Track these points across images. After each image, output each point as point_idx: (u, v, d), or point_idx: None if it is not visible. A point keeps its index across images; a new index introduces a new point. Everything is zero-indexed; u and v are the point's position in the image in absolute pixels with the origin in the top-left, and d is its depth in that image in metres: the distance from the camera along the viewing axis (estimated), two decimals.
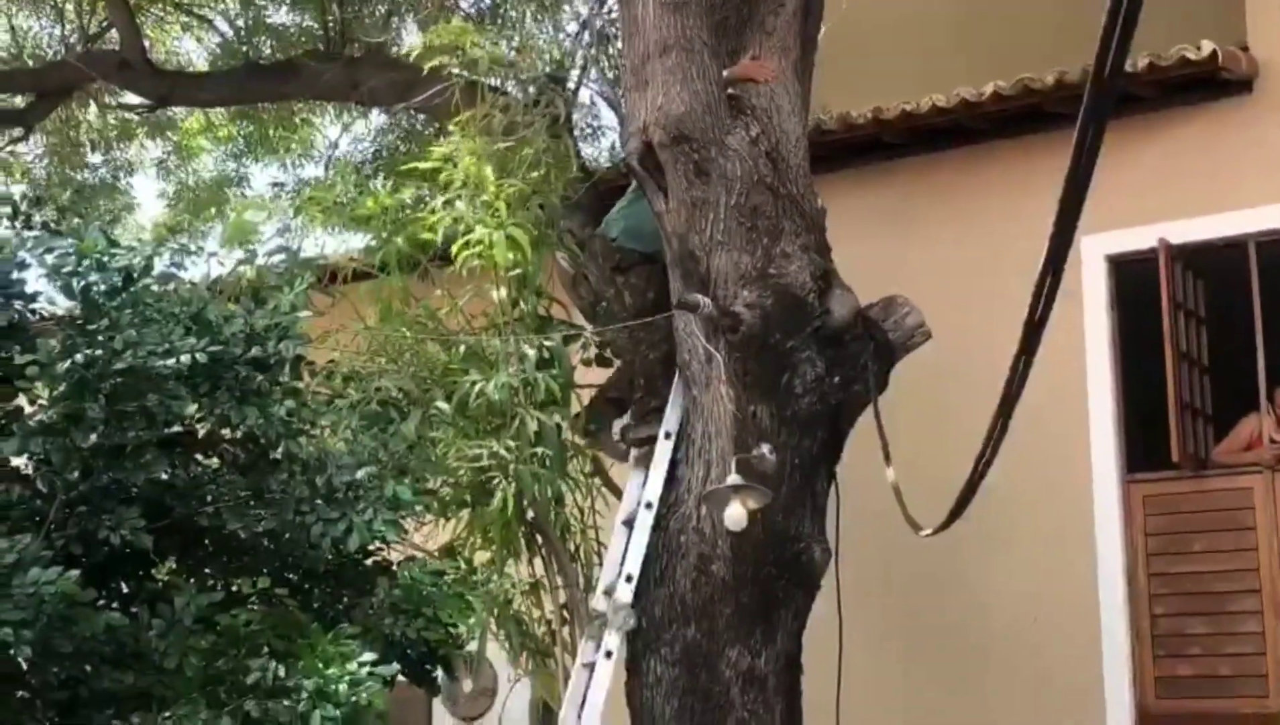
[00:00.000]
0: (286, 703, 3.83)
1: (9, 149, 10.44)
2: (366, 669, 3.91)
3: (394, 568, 4.98)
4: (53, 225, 4.43)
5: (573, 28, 8.90)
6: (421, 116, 9.73)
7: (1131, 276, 7.99)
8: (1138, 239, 7.81)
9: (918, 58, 9.57)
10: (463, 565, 6.47)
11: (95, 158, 11.11)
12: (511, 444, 6.56)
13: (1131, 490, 7.77)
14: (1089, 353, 7.88)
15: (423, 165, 7.03)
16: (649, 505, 6.38)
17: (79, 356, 3.90)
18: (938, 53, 9.63)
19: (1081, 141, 2.85)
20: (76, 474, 4.06)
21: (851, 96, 8.41)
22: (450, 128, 7.10)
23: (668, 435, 6.47)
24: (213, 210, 10.89)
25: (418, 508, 4.87)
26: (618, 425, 6.67)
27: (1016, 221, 7.89)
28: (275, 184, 10.99)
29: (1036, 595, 7.79)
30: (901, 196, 8.52)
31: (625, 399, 6.72)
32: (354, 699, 3.83)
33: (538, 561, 7.15)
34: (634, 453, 6.55)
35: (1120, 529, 7.72)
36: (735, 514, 5.86)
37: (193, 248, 4.57)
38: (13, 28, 10.74)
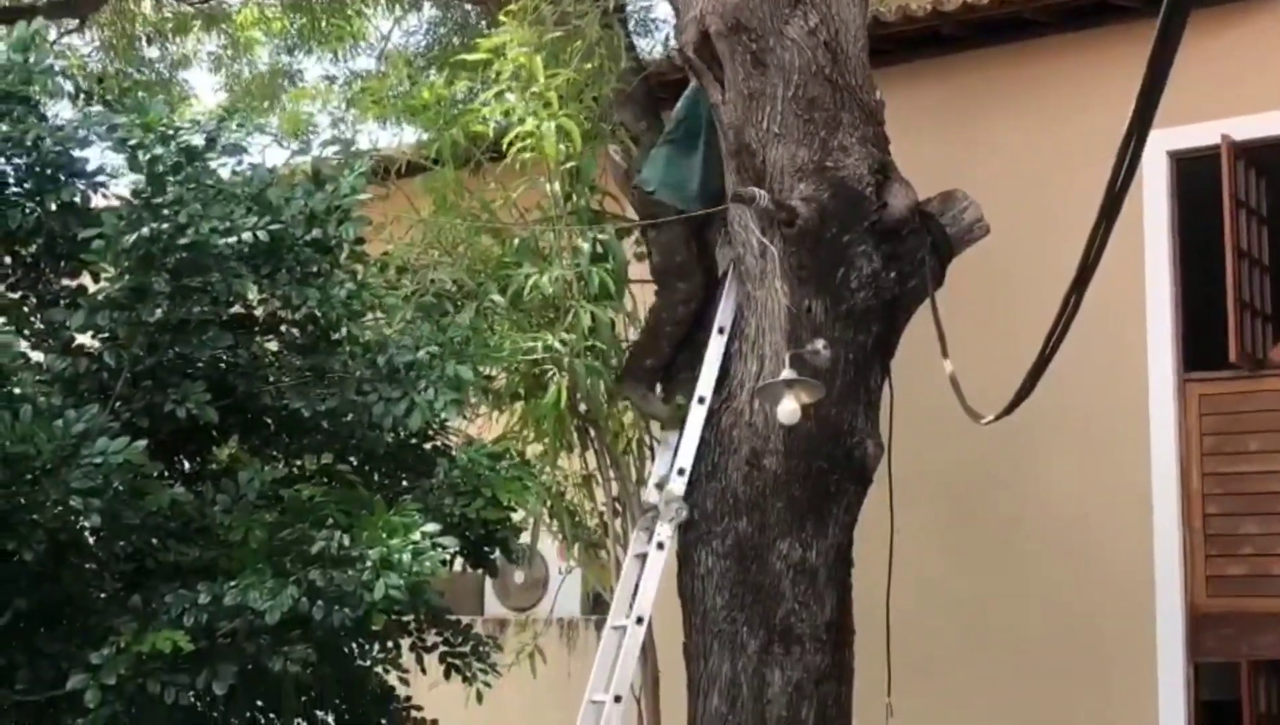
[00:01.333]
0: (350, 572, 3.89)
1: (64, 39, 10.42)
2: (430, 540, 3.95)
3: (452, 452, 5.02)
4: (114, 102, 4.43)
5: None
6: (474, 8, 9.64)
7: (1193, 174, 7.86)
8: (1200, 135, 7.67)
9: None
10: (516, 455, 6.50)
11: (151, 51, 11.09)
12: (566, 337, 6.58)
13: (1188, 389, 7.71)
14: (1148, 251, 7.78)
15: (472, 57, 6.98)
16: (702, 400, 6.39)
17: (145, 230, 3.92)
18: None
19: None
20: (142, 349, 4.10)
21: None
22: (501, 18, 7.03)
23: (721, 330, 6.46)
24: (266, 103, 10.86)
25: (476, 393, 4.89)
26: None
27: (1077, 116, 7.79)
28: (327, 77, 10.94)
29: (1089, 493, 7.77)
30: (960, 91, 8.40)
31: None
32: (416, 570, 3.88)
33: (590, 455, 7.19)
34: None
35: (1175, 428, 7.68)
36: (788, 408, 5.85)
37: (252, 126, 4.54)
38: None
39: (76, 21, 10.41)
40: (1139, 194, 7.62)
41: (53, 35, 10.20)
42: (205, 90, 11.66)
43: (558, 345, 6.55)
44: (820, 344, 6.09)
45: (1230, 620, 7.49)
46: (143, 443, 3.83)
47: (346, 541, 3.92)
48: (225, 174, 4.55)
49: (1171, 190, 7.83)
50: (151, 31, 10.97)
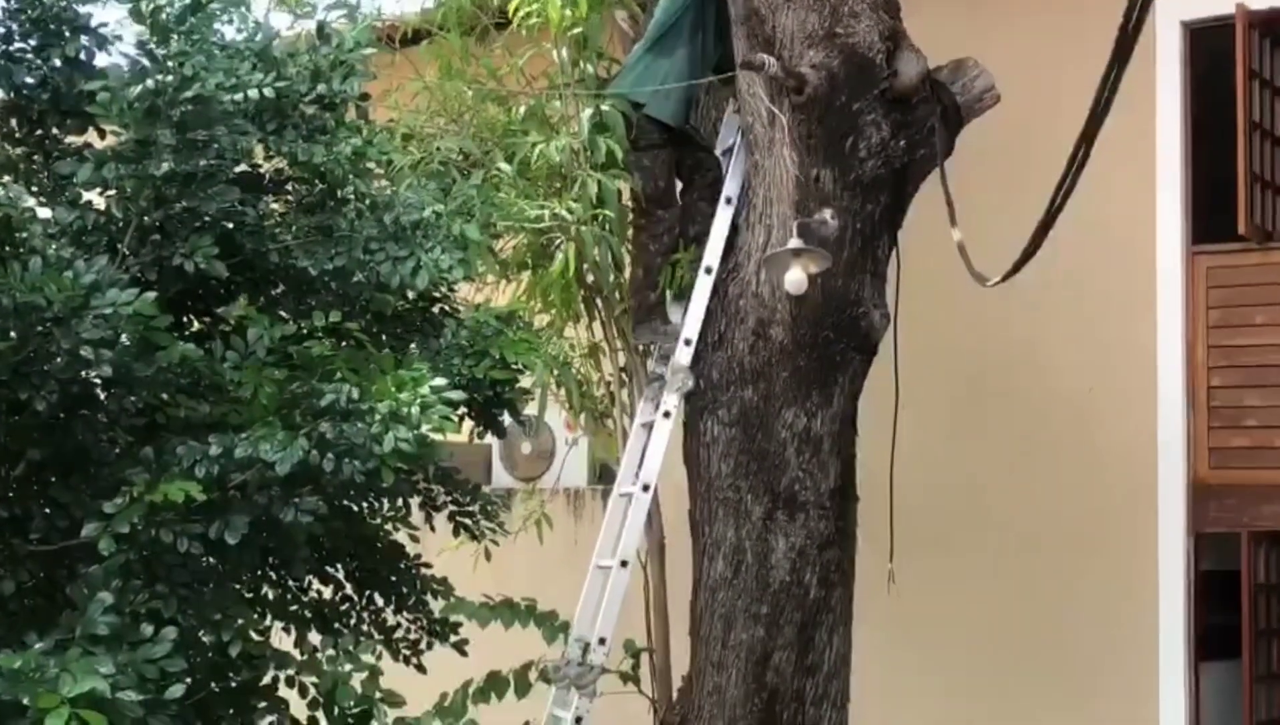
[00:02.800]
0: (360, 425, 3.92)
1: None
2: (437, 395, 3.98)
3: (459, 314, 5.04)
4: None
5: None
6: None
7: (1207, 44, 7.79)
8: (1215, 5, 7.60)
9: None
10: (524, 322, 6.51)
11: None
12: (573, 205, 6.55)
13: (1196, 262, 7.72)
14: (1159, 121, 7.74)
15: None
16: (708, 270, 6.38)
17: (149, 82, 3.90)
18: None
19: None
20: (149, 202, 4.11)
21: None
22: None
23: (729, 201, 6.43)
24: None
25: (482, 257, 4.89)
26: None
27: None
28: None
29: (1095, 365, 7.82)
30: None
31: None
32: (425, 423, 3.92)
33: (596, 325, 7.20)
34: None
35: (1182, 301, 7.69)
36: (795, 278, 5.85)
37: None
38: None
39: None
40: (1151, 64, 7.56)
41: None
42: None
43: (564, 213, 6.53)
44: (828, 213, 6.07)
45: (1232, 491, 7.58)
46: (152, 294, 3.85)
47: (356, 395, 3.95)
48: (230, 32, 4.52)
49: (1184, 60, 7.77)
50: None
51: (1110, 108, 3.84)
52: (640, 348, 6.93)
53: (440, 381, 4.00)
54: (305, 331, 4.31)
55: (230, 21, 4.42)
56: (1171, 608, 7.65)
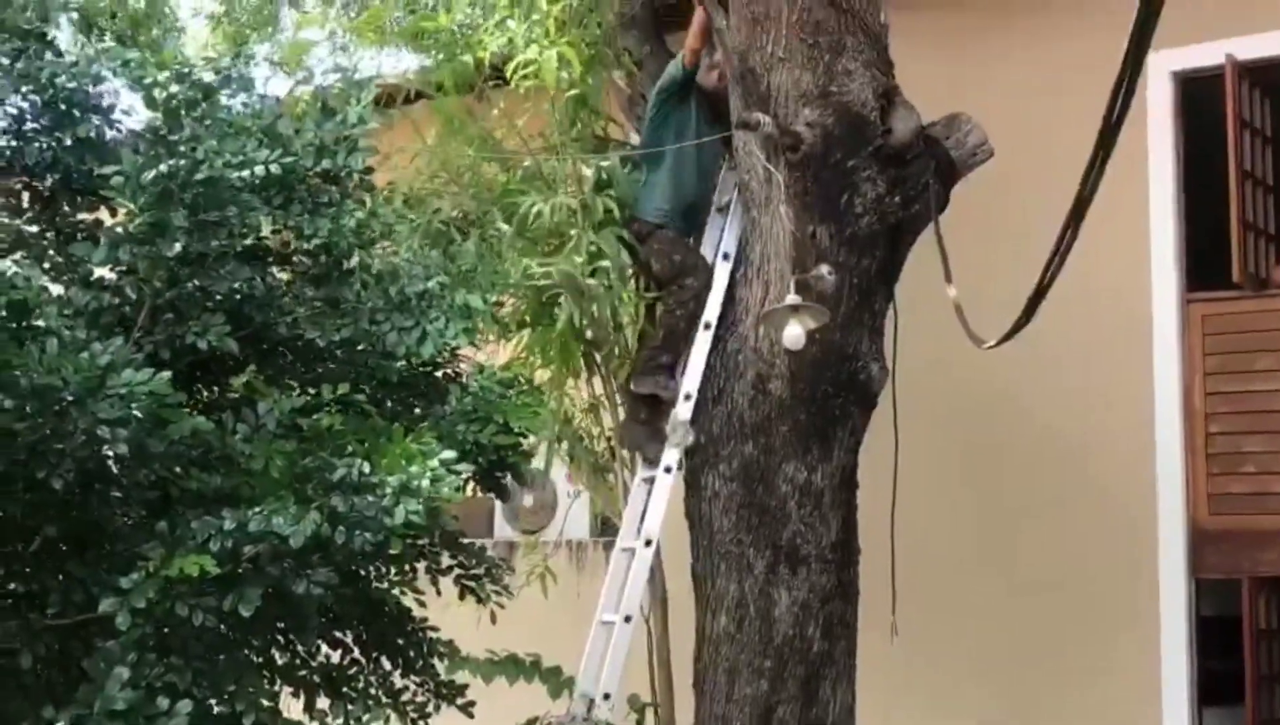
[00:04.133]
0: (371, 498, 3.98)
1: None
2: (447, 467, 4.04)
3: (464, 378, 5.10)
4: (126, 39, 4.47)
5: None
6: None
7: (1197, 94, 7.88)
8: (1205, 55, 7.69)
9: None
10: (526, 383, 6.57)
11: None
12: (577, 261, 6.62)
13: (1191, 309, 7.78)
14: (1152, 170, 7.83)
15: None
16: (708, 325, 6.46)
17: (163, 166, 3.98)
18: None
19: None
20: (162, 282, 4.17)
21: None
22: None
23: (726, 256, 6.51)
24: (267, 29, 10.78)
25: (485, 321, 4.96)
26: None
27: (1082, 40, 7.77)
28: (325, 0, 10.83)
29: (1094, 412, 7.86)
30: (967, 11, 8.38)
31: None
32: (434, 494, 3.97)
33: (597, 380, 7.26)
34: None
35: (1178, 347, 7.75)
36: (793, 333, 5.91)
37: (257, 60, 4.58)
38: None
39: None
40: (1143, 114, 7.65)
41: None
42: (197, 19, 11.50)
43: (568, 269, 6.59)
44: (825, 269, 6.14)
45: (1232, 537, 7.61)
46: (167, 373, 3.90)
47: (367, 468, 4.01)
48: (236, 104, 4.60)
49: (1176, 110, 7.86)
50: None
51: (1095, 193, 3.91)
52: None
53: (450, 454, 4.07)
54: (313, 401, 4.37)
55: (235, 96, 4.51)
56: (1174, 654, 7.67)
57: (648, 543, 6.27)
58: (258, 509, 3.95)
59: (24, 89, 4.43)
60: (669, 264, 6.55)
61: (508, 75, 6.79)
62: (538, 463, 6.75)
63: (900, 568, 6.49)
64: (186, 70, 4.13)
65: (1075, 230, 4.09)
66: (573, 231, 6.65)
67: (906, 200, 6.35)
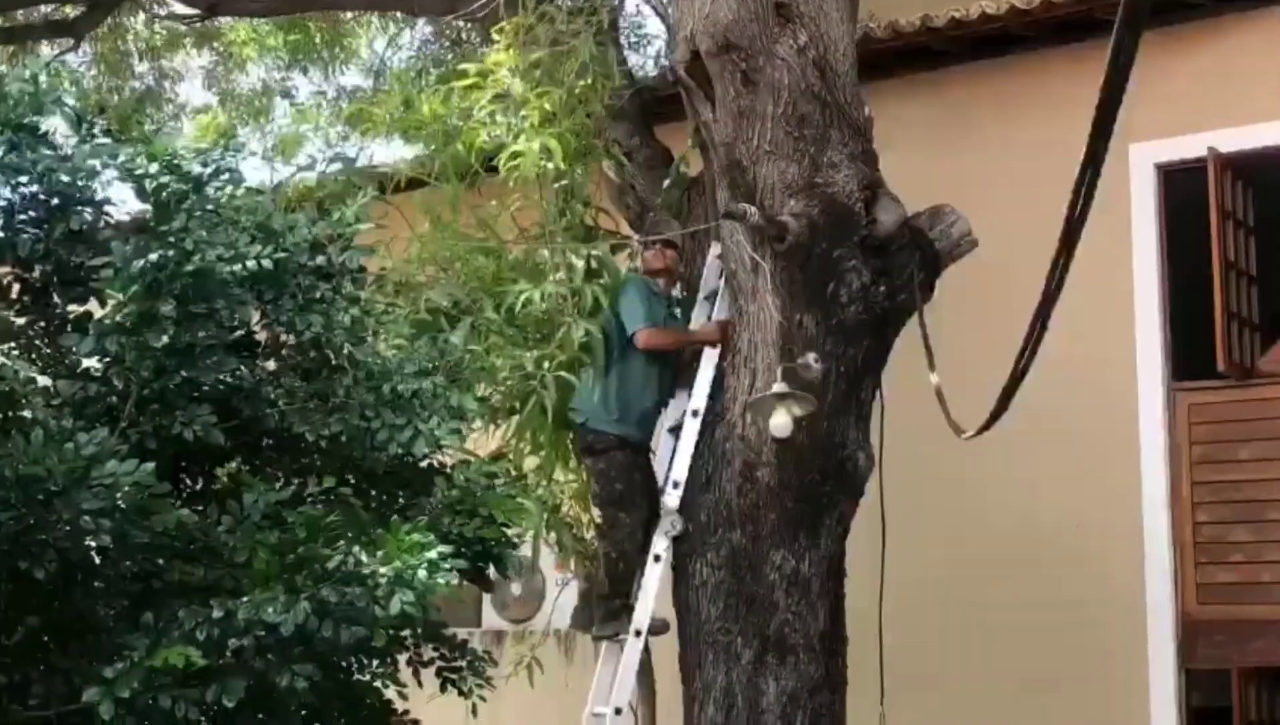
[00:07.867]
0: (361, 589, 3.97)
1: (59, 58, 10.49)
2: (443, 559, 4.04)
3: (449, 470, 5.10)
4: (117, 132, 4.52)
5: None
6: (467, 25, 9.71)
7: (1180, 185, 7.97)
8: (1187, 148, 7.79)
9: None
10: (512, 471, 6.58)
11: (142, 67, 11.16)
12: (559, 353, 6.63)
13: (1177, 398, 7.82)
14: (1136, 261, 7.89)
15: (460, 83, 7.05)
16: (695, 413, 6.48)
17: (152, 257, 4.01)
18: None
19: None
20: (149, 373, 4.19)
21: (900, 3, 8.37)
22: (494, 36, 7.10)
23: (695, 413, 6.51)
24: (260, 120, 10.95)
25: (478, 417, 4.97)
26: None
27: (1066, 130, 7.76)
28: (318, 92, 11.03)
29: (1081, 502, 7.86)
30: (950, 105, 8.50)
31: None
32: (429, 586, 3.96)
33: (585, 468, 7.24)
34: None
35: (1165, 437, 7.78)
36: (780, 422, 5.94)
37: (247, 152, 4.63)
38: None
39: (71, 41, 10.49)
40: (1126, 205, 7.74)
41: (45, 50, 10.31)
42: (198, 101, 11.69)
43: (550, 362, 6.60)
44: (812, 358, 6.18)
45: (1221, 627, 7.59)
46: (151, 465, 3.91)
47: (363, 558, 4.00)
48: (224, 196, 4.63)
49: (1159, 202, 7.94)
50: (144, 47, 11.01)
51: (1061, 290, 3.97)
52: None
53: (445, 548, 4.07)
54: (299, 494, 4.37)
55: (224, 189, 4.55)
56: None
57: (638, 633, 6.25)
58: (245, 599, 3.94)
59: (16, 181, 4.47)
60: (610, 491, 6.44)
61: (499, 166, 6.85)
62: (525, 551, 6.73)
63: (889, 658, 6.46)
64: (177, 162, 4.17)
65: (1044, 324, 4.14)
66: (565, 318, 6.67)
67: (892, 290, 6.40)
